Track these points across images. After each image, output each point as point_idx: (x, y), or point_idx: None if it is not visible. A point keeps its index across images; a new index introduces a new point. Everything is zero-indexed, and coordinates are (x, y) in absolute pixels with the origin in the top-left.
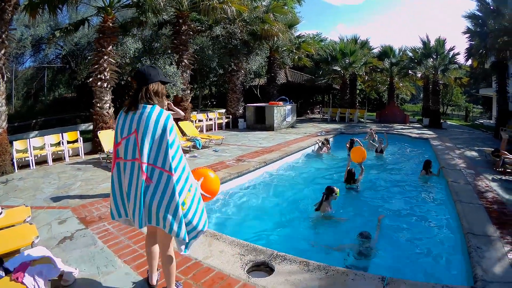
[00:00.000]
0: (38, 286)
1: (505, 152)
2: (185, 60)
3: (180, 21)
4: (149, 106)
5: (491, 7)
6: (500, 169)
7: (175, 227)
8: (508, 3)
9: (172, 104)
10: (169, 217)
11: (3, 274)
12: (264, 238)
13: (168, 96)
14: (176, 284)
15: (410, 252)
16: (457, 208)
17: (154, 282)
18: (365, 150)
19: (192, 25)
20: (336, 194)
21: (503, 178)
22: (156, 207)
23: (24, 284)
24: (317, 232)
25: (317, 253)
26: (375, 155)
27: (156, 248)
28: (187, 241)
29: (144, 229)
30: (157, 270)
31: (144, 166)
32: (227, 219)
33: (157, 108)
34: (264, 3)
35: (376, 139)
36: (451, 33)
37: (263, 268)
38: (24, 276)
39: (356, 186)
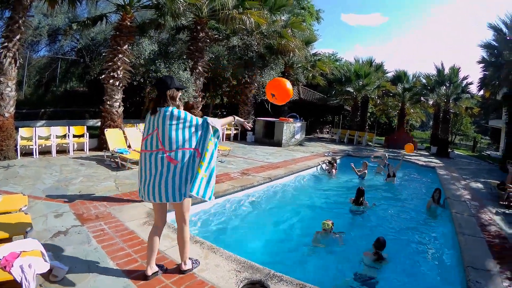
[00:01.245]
0: (26, 278)
1: (511, 186)
2: (200, 67)
3: (198, 27)
4: (170, 108)
5: (507, 37)
6: (504, 203)
7: (201, 190)
8: None
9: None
10: (197, 182)
11: None
12: (262, 256)
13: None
14: (193, 260)
15: (410, 283)
16: (459, 240)
17: (149, 273)
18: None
19: (209, 33)
20: (327, 227)
21: (507, 212)
22: (184, 180)
23: (11, 274)
24: (315, 253)
25: (314, 276)
26: (386, 180)
27: (157, 241)
28: (211, 199)
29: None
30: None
31: (167, 153)
32: (227, 233)
33: (174, 110)
34: (283, 18)
35: (387, 164)
36: (464, 61)
37: (258, 287)
38: (12, 266)
39: (362, 209)
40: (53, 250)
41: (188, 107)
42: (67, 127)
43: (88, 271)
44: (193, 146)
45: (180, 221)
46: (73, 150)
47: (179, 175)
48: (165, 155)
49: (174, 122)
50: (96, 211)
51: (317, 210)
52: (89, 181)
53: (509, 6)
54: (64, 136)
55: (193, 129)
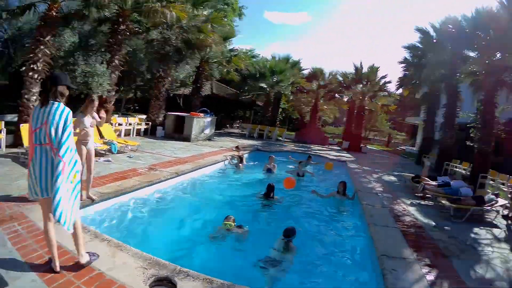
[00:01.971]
0: None
1: (426, 178)
2: (116, 61)
3: (120, 20)
4: (55, 103)
5: (434, 40)
6: (419, 194)
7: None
8: (452, 38)
9: (98, 114)
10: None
11: None
12: (171, 252)
13: (92, 100)
14: (90, 253)
15: (323, 276)
16: (370, 231)
17: (58, 268)
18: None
19: (130, 26)
20: (230, 227)
21: (422, 203)
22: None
23: None
24: (222, 246)
25: (222, 269)
26: (297, 178)
27: (54, 235)
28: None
29: (56, 225)
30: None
31: (53, 148)
32: (134, 229)
33: (61, 106)
34: (205, 12)
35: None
36: (383, 62)
37: (165, 283)
38: None
39: (272, 203)
40: None
41: (102, 102)
42: None
43: (6, 276)
44: (61, 144)
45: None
46: None
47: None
48: (52, 149)
49: (62, 121)
50: (11, 212)
51: (225, 203)
52: (4, 180)
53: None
54: None
55: (64, 129)
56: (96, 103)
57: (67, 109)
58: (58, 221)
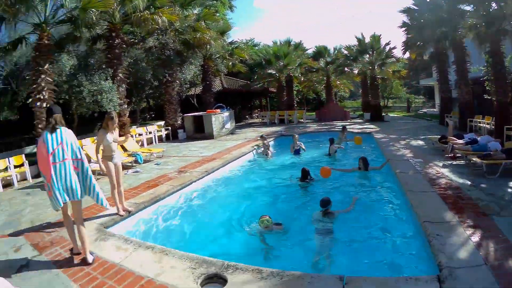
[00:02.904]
0: None
1: (453, 138)
2: (120, 74)
3: (113, 34)
4: (62, 128)
5: (427, 0)
6: (449, 155)
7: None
8: None
9: (118, 135)
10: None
11: None
12: (214, 249)
13: (111, 118)
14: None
15: (367, 249)
16: (409, 198)
17: (77, 250)
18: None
19: (125, 38)
20: (268, 223)
21: (454, 163)
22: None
23: None
24: (265, 237)
25: (269, 259)
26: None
27: (72, 225)
28: (104, 204)
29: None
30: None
31: (72, 161)
32: (175, 233)
33: (64, 128)
34: (195, 11)
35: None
36: (388, 28)
37: (216, 279)
38: None
39: (306, 186)
40: (21, 285)
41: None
42: (7, 159)
43: None
44: (82, 158)
45: (81, 218)
46: (17, 181)
47: (83, 178)
48: (71, 162)
49: (73, 139)
50: (50, 237)
51: (260, 193)
52: (38, 209)
53: None
54: (6, 169)
55: (77, 145)
56: (116, 120)
57: (69, 130)
58: (105, 207)
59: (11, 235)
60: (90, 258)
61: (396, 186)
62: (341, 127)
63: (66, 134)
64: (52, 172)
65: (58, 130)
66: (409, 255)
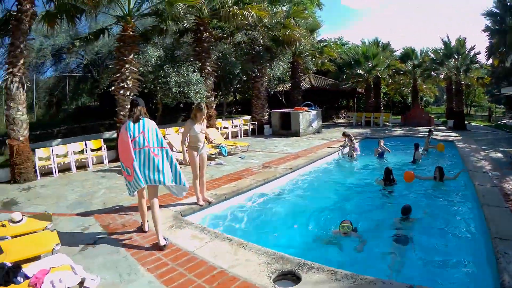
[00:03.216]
0: None
1: None
2: (208, 67)
3: (201, 28)
4: (145, 119)
5: (508, 3)
6: None
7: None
8: None
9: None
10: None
11: (22, 280)
12: (291, 246)
13: (200, 109)
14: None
15: (435, 259)
16: (484, 212)
17: (147, 229)
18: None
19: (213, 32)
20: (348, 230)
21: None
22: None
23: None
24: (344, 240)
25: (344, 261)
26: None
27: (146, 207)
28: (186, 185)
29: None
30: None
31: (152, 149)
32: (254, 227)
33: (147, 119)
34: (284, 8)
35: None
36: (471, 32)
37: (289, 277)
38: (42, 282)
39: (391, 189)
40: (83, 263)
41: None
42: (84, 142)
43: (120, 280)
44: (165, 145)
45: (157, 200)
46: (93, 164)
47: (162, 164)
48: (150, 150)
49: (154, 128)
50: (122, 220)
51: (343, 195)
52: (112, 192)
53: None
54: (82, 152)
55: (159, 134)
56: (205, 111)
57: (152, 121)
58: (186, 187)
59: (80, 214)
60: (162, 242)
61: (472, 198)
62: (427, 132)
63: (148, 124)
64: (134, 157)
65: (141, 121)
66: (473, 269)
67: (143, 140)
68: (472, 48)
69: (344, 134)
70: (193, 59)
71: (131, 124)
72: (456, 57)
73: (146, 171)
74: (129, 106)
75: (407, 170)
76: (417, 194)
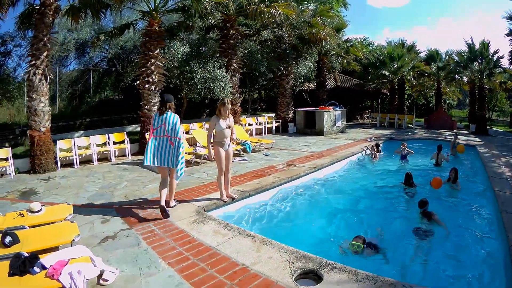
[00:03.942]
0: (75, 284)
1: None
2: (234, 64)
3: (228, 25)
4: (169, 113)
5: None
6: None
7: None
8: None
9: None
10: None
11: (38, 271)
12: (314, 245)
13: (224, 104)
14: (173, 200)
15: (452, 264)
16: (502, 218)
17: (166, 204)
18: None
19: (239, 29)
20: (358, 249)
21: None
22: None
23: (60, 282)
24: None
25: (366, 262)
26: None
27: (166, 189)
28: (180, 176)
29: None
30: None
31: (169, 138)
32: (277, 225)
33: (171, 113)
34: (310, 7)
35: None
36: (494, 35)
37: (311, 276)
38: (60, 274)
39: (414, 191)
40: (102, 255)
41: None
42: (107, 135)
43: (140, 273)
44: (179, 136)
45: (173, 176)
46: (115, 157)
47: (175, 151)
48: (168, 139)
49: (175, 122)
50: (144, 213)
51: (366, 195)
52: (134, 185)
53: None
54: (104, 144)
55: (177, 127)
56: (229, 106)
57: (176, 115)
58: (179, 176)
59: (101, 206)
60: (172, 203)
61: (491, 204)
62: (453, 135)
63: (171, 118)
64: (151, 141)
65: (165, 114)
66: (489, 275)
67: (163, 130)
68: (495, 52)
69: (377, 145)
70: (219, 56)
71: (157, 116)
72: (479, 60)
73: (160, 153)
74: (158, 100)
75: (435, 177)
76: (439, 195)
